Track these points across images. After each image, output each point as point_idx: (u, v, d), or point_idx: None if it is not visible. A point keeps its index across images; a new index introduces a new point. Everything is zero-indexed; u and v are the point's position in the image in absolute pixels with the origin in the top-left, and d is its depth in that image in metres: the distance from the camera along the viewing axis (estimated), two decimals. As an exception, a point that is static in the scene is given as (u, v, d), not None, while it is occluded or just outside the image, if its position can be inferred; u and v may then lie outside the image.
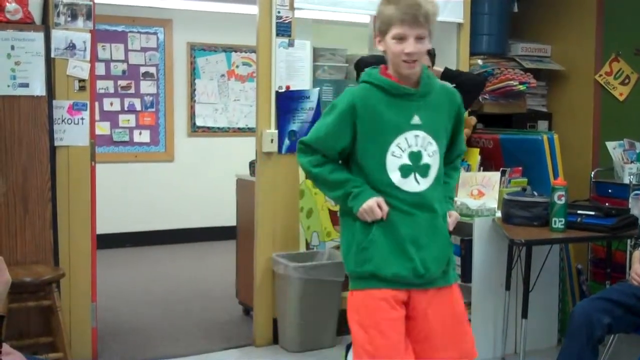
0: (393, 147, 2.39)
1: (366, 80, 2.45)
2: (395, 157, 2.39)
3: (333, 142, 2.45)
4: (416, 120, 2.40)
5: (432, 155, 2.42)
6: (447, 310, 2.45)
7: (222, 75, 7.60)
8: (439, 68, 4.00)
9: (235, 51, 7.62)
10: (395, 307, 2.39)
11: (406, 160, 2.39)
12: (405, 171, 2.40)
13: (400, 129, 2.39)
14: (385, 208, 2.39)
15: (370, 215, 2.38)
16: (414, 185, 2.41)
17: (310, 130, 2.56)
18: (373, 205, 2.37)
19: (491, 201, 4.09)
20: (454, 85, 4.03)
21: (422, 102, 2.42)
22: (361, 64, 3.89)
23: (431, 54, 3.87)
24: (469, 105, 4.25)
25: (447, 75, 4.03)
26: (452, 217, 2.53)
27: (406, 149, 2.39)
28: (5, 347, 2.80)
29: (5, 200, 3.67)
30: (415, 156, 2.40)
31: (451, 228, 2.53)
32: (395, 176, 2.40)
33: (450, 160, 2.60)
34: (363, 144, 2.41)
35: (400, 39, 2.33)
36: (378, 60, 3.92)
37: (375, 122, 2.39)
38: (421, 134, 2.40)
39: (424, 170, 2.42)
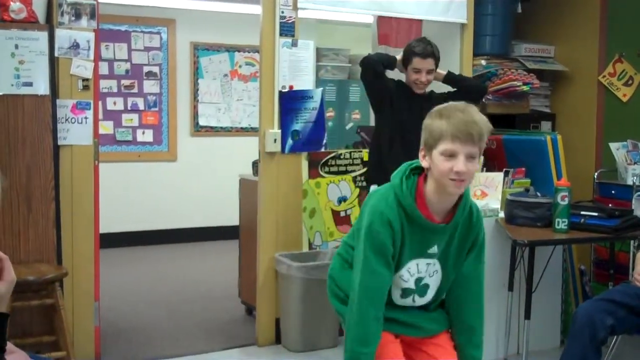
0: (403, 271, 2.34)
1: (399, 201, 2.27)
2: (402, 280, 2.36)
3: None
4: (433, 249, 2.33)
5: (432, 275, 2.38)
6: None
7: (225, 75, 7.60)
8: (442, 71, 4.00)
9: (239, 51, 7.62)
10: None
11: (411, 285, 2.37)
12: (406, 293, 2.39)
13: (415, 255, 2.33)
14: None
15: None
16: (409, 302, 2.41)
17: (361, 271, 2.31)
18: None
19: (494, 202, 4.09)
20: (456, 90, 4.04)
21: (446, 234, 2.33)
22: (369, 65, 3.87)
23: (435, 57, 3.87)
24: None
25: (449, 79, 4.03)
26: None
27: (415, 274, 2.36)
28: (9, 345, 2.80)
29: (8, 199, 3.67)
30: (419, 280, 2.38)
31: None
32: (396, 294, 2.38)
33: (468, 290, 2.44)
34: None
35: (450, 155, 2.17)
36: (383, 60, 3.93)
37: (398, 247, 2.29)
38: (432, 262, 2.36)
39: (423, 291, 2.39)
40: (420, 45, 3.85)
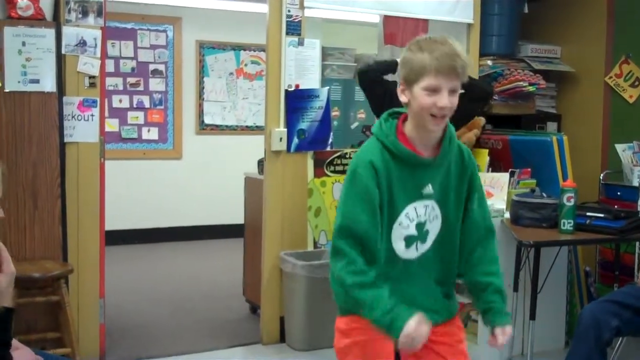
0: (402, 217, 2.19)
1: (381, 142, 2.18)
2: (403, 228, 2.20)
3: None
4: (428, 189, 2.20)
5: (432, 220, 2.24)
6: None
7: (231, 74, 7.60)
8: None
9: (244, 49, 7.62)
10: None
11: (413, 231, 2.22)
12: (409, 241, 2.23)
13: (410, 198, 2.19)
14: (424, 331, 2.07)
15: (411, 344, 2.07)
16: (413, 253, 2.24)
17: (342, 215, 2.17)
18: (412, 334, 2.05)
19: (500, 202, 4.08)
20: (463, 91, 4.02)
21: (437, 171, 2.21)
22: (366, 75, 3.90)
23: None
24: (473, 115, 4.23)
25: None
26: (504, 335, 2.24)
27: (414, 219, 2.21)
28: (14, 341, 2.81)
29: (14, 195, 3.68)
30: (421, 226, 2.23)
31: (499, 344, 2.25)
32: (399, 246, 2.21)
33: (478, 240, 2.32)
34: None
35: (433, 90, 2.07)
36: (381, 68, 3.91)
37: (387, 191, 2.16)
38: (430, 203, 2.22)
39: (424, 237, 2.25)
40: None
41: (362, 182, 2.13)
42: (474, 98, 4.04)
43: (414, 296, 2.22)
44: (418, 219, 2.21)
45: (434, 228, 2.26)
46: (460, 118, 4.09)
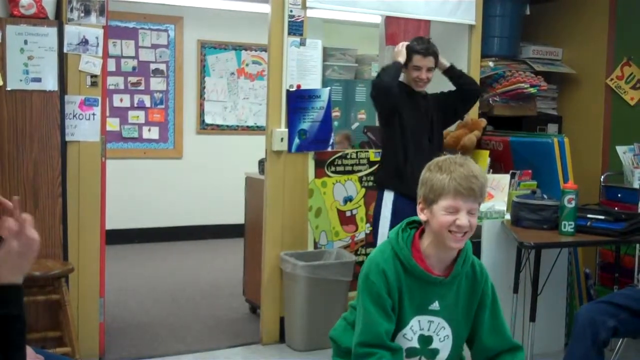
0: (407, 330, 2.25)
1: (396, 252, 2.24)
2: (407, 340, 2.25)
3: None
4: (435, 306, 2.24)
5: (443, 340, 2.27)
6: None
7: (232, 74, 7.60)
8: (445, 62, 3.97)
9: (245, 49, 7.63)
10: None
11: (415, 344, 2.26)
12: (410, 353, 2.27)
13: (417, 311, 2.25)
14: None
15: None
16: None
17: (362, 326, 2.22)
18: None
19: (500, 203, 4.08)
20: (453, 90, 4.01)
21: (447, 288, 2.25)
22: (384, 90, 3.75)
23: (436, 55, 3.85)
24: (463, 114, 4.22)
25: (451, 71, 4.00)
26: None
27: (417, 331, 2.26)
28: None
29: (15, 194, 3.67)
30: (425, 340, 2.27)
31: None
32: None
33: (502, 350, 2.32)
34: None
35: (452, 212, 2.14)
36: (393, 77, 3.83)
37: (397, 300, 2.23)
38: (436, 319, 2.26)
39: (432, 355, 2.28)
40: (421, 43, 3.85)
41: (375, 289, 2.20)
42: (464, 98, 4.04)
43: None
44: (421, 332, 2.26)
45: (445, 347, 2.29)
46: (450, 118, 4.11)
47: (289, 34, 4.19)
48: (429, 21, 4.70)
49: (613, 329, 3.04)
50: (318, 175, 4.37)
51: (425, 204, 2.20)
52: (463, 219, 2.13)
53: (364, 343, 2.20)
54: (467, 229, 2.15)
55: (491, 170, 4.39)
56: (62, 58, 3.76)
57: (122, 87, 7.11)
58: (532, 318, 3.56)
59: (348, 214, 4.49)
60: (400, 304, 2.23)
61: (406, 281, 2.22)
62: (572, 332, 3.15)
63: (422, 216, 2.22)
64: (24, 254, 1.64)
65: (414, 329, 2.26)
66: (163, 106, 7.31)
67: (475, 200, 2.15)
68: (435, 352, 2.28)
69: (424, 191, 2.20)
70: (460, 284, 2.27)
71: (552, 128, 4.97)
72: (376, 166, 4.29)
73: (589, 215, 3.80)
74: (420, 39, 3.91)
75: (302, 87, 4.26)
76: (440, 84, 4.09)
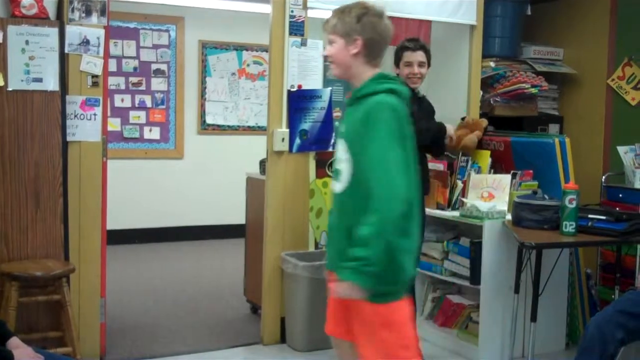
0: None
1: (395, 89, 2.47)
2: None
3: None
4: (342, 128, 2.49)
5: (342, 161, 2.41)
6: None
7: (233, 74, 7.61)
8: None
9: (247, 50, 7.63)
10: None
11: (336, 165, 2.49)
12: (334, 174, 2.50)
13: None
14: None
15: None
16: (335, 186, 2.48)
17: (393, 176, 2.24)
18: None
19: (501, 204, 4.08)
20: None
21: (348, 111, 2.47)
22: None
23: (426, 50, 3.84)
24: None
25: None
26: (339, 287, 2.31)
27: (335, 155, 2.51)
28: (16, 340, 2.82)
29: (17, 194, 3.68)
30: (336, 162, 2.50)
31: (336, 294, 2.36)
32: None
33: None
34: None
35: None
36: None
37: None
38: (340, 141, 2.44)
39: (336, 175, 2.46)
40: (410, 41, 3.86)
41: (402, 119, 2.38)
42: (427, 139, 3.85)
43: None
44: (336, 154, 2.49)
45: (345, 170, 2.40)
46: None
47: (290, 34, 4.19)
48: (429, 21, 4.70)
49: (621, 340, 3.05)
50: (319, 175, 4.37)
51: None
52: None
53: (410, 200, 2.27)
54: (328, 59, 2.50)
55: (492, 171, 4.39)
56: (63, 58, 3.76)
57: (123, 87, 7.11)
58: (533, 318, 3.56)
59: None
60: None
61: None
62: (580, 345, 3.17)
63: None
64: None
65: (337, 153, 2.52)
66: (164, 106, 7.32)
67: (324, 32, 2.48)
68: (338, 172, 2.45)
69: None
70: (360, 108, 2.37)
71: (553, 128, 4.97)
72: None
73: (590, 216, 3.80)
74: (410, 38, 3.93)
75: (303, 88, 4.26)
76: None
